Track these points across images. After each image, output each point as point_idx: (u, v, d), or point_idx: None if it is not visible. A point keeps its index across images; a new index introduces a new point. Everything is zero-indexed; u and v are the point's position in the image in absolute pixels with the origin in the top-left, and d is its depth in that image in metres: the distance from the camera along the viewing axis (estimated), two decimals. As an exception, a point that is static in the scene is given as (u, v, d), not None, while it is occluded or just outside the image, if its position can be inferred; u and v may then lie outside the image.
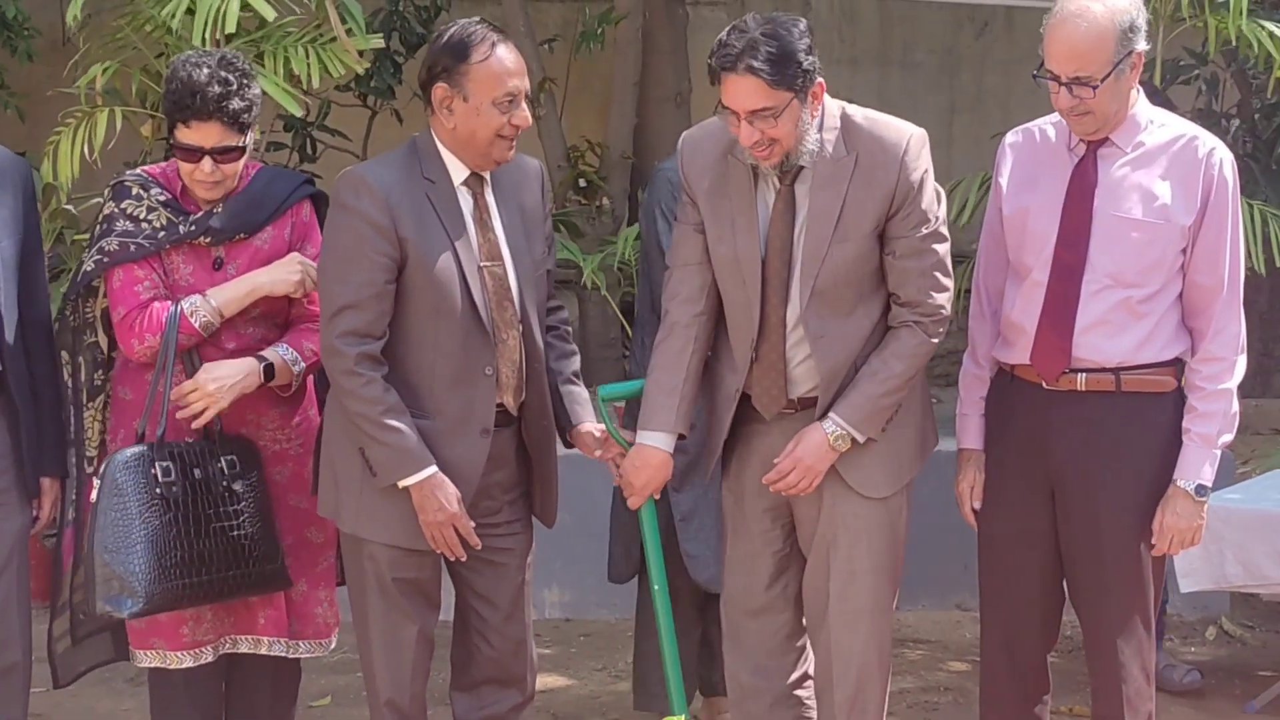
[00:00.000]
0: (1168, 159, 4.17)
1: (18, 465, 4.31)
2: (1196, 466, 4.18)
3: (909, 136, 4.10)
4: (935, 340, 4.17)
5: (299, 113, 6.28)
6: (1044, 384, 4.23)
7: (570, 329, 4.48)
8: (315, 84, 5.97)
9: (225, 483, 4.23)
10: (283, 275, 4.28)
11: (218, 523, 4.21)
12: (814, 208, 4.09)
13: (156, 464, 4.16)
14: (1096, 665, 4.31)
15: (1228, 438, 4.23)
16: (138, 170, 4.37)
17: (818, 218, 4.09)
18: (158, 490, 4.15)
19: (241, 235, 4.29)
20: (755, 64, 3.93)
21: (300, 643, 4.43)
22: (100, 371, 4.36)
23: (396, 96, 7.86)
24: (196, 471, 4.21)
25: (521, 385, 4.21)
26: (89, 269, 4.26)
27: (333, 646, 4.50)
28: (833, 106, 4.12)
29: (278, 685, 4.51)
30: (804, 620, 4.33)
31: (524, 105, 4.11)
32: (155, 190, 4.27)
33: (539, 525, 4.38)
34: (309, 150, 7.77)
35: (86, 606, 4.18)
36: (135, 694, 5.60)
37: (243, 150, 4.24)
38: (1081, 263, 4.16)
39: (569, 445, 4.40)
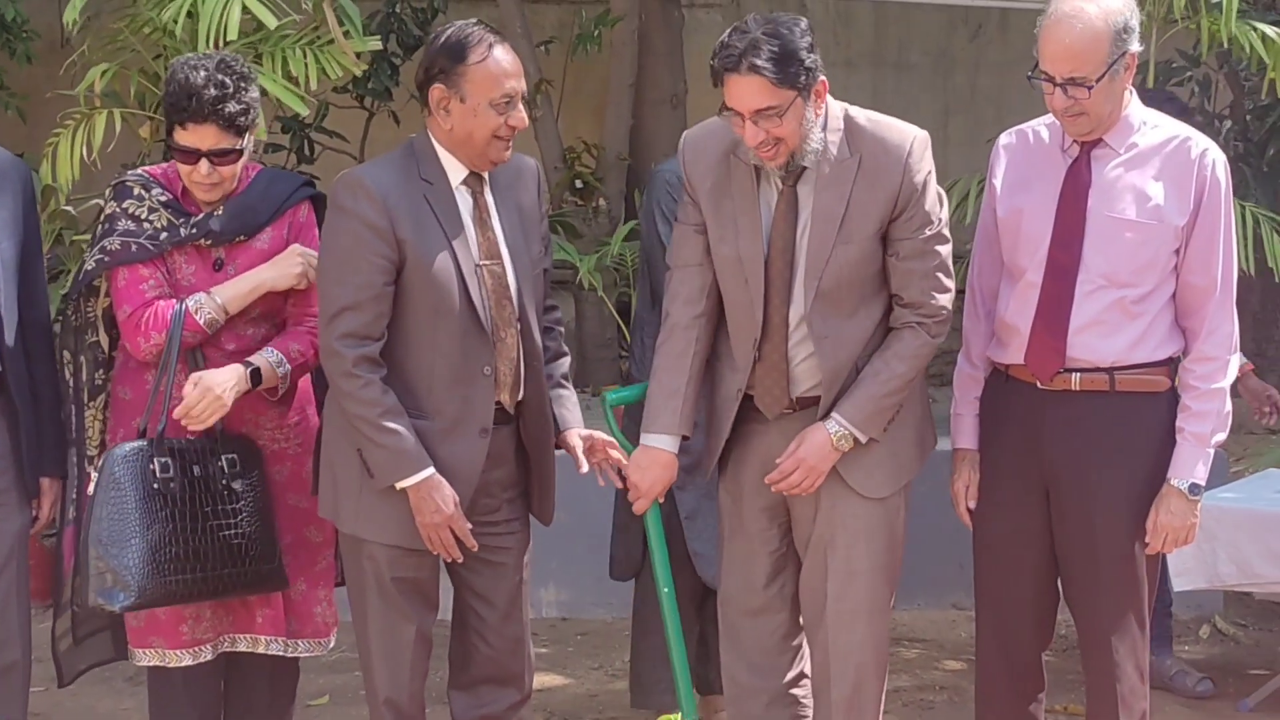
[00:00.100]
0: (1161, 160, 4.18)
1: (17, 465, 4.32)
2: (1190, 465, 4.19)
3: (912, 138, 4.11)
4: (937, 341, 4.18)
5: (305, 112, 6.28)
6: (1038, 384, 4.24)
7: (564, 330, 4.48)
8: (313, 86, 5.98)
9: (225, 481, 4.23)
10: (285, 269, 4.29)
11: (215, 520, 4.21)
12: (817, 209, 4.10)
13: (155, 459, 4.16)
14: (1091, 664, 4.31)
15: (1221, 437, 4.24)
16: (139, 170, 4.37)
17: (821, 219, 4.09)
18: (155, 485, 4.15)
19: (241, 237, 4.30)
20: (758, 63, 3.93)
21: (299, 642, 4.43)
22: (101, 371, 4.36)
23: (394, 98, 7.87)
24: (196, 469, 4.21)
25: (519, 384, 4.21)
26: (90, 268, 4.27)
27: (331, 646, 4.50)
28: (836, 108, 4.12)
29: (276, 684, 4.51)
30: (801, 620, 4.34)
31: (521, 106, 4.12)
32: (156, 190, 4.28)
33: (535, 525, 4.38)
34: (307, 151, 7.77)
35: (80, 598, 4.17)
36: (135, 693, 5.60)
37: (240, 153, 4.24)
38: (1075, 263, 4.17)
39: (557, 447, 4.41)
